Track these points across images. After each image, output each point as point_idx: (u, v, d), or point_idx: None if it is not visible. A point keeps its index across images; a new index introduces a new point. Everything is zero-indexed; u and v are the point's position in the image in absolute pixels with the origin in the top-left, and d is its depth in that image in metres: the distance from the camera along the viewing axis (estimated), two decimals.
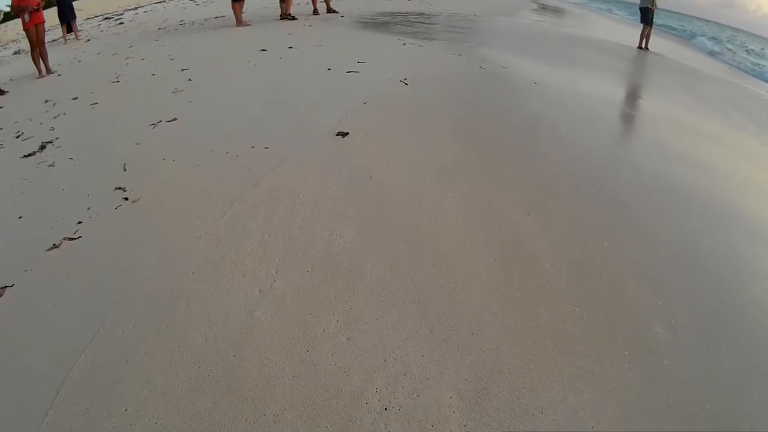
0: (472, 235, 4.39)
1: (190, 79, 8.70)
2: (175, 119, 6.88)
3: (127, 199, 5.08)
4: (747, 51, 35.53)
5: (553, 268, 4.00)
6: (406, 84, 8.02)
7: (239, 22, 14.20)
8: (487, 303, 3.64)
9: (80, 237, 4.60)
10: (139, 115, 7.15)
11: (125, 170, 5.66)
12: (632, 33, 19.86)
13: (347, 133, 6.06)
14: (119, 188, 5.27)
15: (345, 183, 5.08)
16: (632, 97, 10.55)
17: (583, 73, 11.51)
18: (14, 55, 17.10)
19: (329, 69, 8.82)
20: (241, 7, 14.32)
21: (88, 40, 16.17)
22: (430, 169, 5.39)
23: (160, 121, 6.84)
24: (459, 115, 6.95)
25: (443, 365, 3.15)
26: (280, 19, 14.68)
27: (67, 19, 17.44)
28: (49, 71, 12.02)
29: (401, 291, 3.73)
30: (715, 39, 37.43)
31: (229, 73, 9.01)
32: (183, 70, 9.38)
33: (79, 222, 4.81)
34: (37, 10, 12.05)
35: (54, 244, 4.51)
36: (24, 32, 12.35)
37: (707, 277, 4.17)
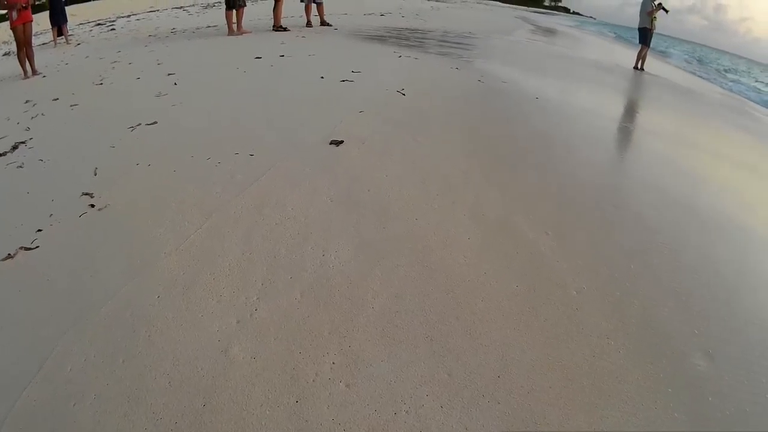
0: (487, 257, 3.83)
1: (175, 84, 8.14)
2: (155, 122, 6.29)
3: (93, 206, 4.45)
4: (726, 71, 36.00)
5: (581, 296, 3.50)
6: (404, 94, 7.58)
7: (231, 30, 13.77)
8: (512, 338, 3.08)
9: (38, 247, 3.96)
10: (119, 118, 6.56)
11: (95, 174, 5.06)
12: (627, 54, 20.19)
13: (341, 142, 5.52)
14: (86, 194, 4.65)
15: (340, 195, 4.48)
16: (634, 114, 10.30)
17: (583, 91, 11.35)
18: (3, 57, 16.60)
19: (322, 77, 8.32)
20: (240, 16, 13.86)
21: (78, 44, 15.76)
22: (435, 182, 4.86)
23: (139, 124, 6.25)
24: (461, 127, 6.53)
25: (468, 418, 2.55)
26: (273, 30, 14.33)
27: (59, 22, 17.02)
28: (35, 72, 11.45)
29: (410, 324, 3.11)
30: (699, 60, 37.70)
31: (217, 79, 8.48)
32: (169, 74, 8.83)
33: (39, 230, 4.17)
34: (26, 8, 11.53)
35: (9, 254, 3.86)
36: (11, 31, 11.79)
37: (738, 300, 3.78)
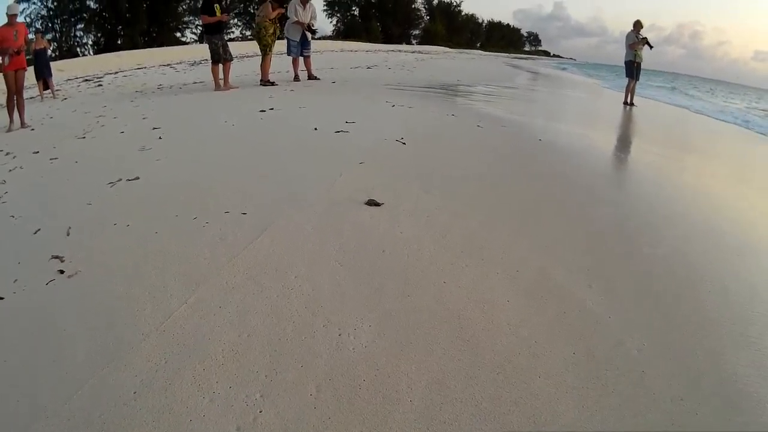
0: (534, 323, 3.19)
1: (160, 138, 7.48)
2: (137, 178, 5.61)
3: (62, 272, 3.71)
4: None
5: (643, 355, 2.98)
6: (404, 143, 7.02)
7: (218, 85, 13.29)
8: (585, 420, 2.46)
9: None
10: (99, 173, 5.90)
11: (68, 235, 4.36)
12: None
13: (379, 203, 4.79)
14: (56, 257, 3.93)
15: (350, 259, 3.79)
16: (641, 150, 10.22)
17: (585, 131, 11.28)
18: None
19: (315, 129, 7.68)
20: (227, 70, 13.40)
21: (65, 98, 15.24)
22: (456, 237, 4.24)
23: (120, 180, 5.57)
24: (470, 174, 6.00)
25: None
26: (260, 84, 13.87)
27: (43, 75, 16.49)
28: (23, 125, 10.68)
29: (461, 419, 2.40)
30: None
31: (204, 133, 7.83)
32: (154, 128, 8.20)
33: (0, 298, 3.45)
34: (18, 53, 10.80)
35: None
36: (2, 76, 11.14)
37: None
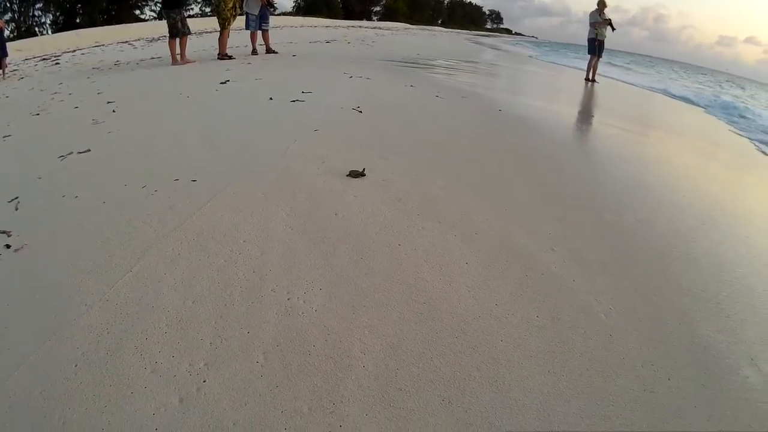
0: (495, 285, 3.05)
1: (114, 111, 7.17)
2: (88, 150, 5.31)
3: (8, 246, 3.43)
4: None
5: (611, 319, 2.89)
6: (361, 111, 6.87)
7: (175, 59, 13.00)
8: (549, 385, 2.36)
9: None
10: (51, 147, 5.59)
11: (17, 209, 4.06)
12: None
13: (362, 174, 4.58)
14: (3, 232, 3.64)
15: (302, 223, 3.59)
16: (589, 120, 10.25)
17: (546, 104, 11.24)
18: None
19: (271, 99, 7.49)
20: (184, 45, 13.14)
21: (21, 78, 14.74)
22: (412, 202, 4.09)
23: (70, 153, 5.27)
24: (429, 142, 5.86)
25: None
26: (218, 58, 13.60)
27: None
28: None
29: (418, 385, 2.26)
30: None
31: (159, 106, 7.55)
32: (108, 102, 7.86)
33: None
34: None
35: None
36: None
37: None
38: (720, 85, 32.83)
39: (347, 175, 4.48)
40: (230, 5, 13.42)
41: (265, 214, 3.68)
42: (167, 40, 13.34)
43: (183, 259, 3.10)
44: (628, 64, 40.47)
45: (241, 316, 2.59)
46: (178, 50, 12.94)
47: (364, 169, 4.54)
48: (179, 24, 12.76)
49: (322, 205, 3.88)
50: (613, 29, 17.02)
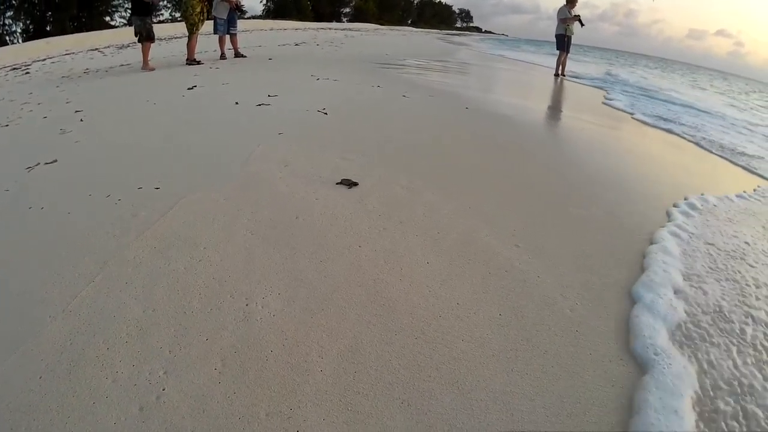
0: (456, 284, 3.02)
1: (81, 120, 7.07)
2: (55, 161, 5.23)
3: None
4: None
5: (576, 314, 2.86)
6: (326, 114, 6.90)
7: (146, 64, 12.96)
8: (513, 384, 2.32)
9: None
10: (20, 158, 5.49)
11: None
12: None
13: (355, 184, 4.51)
14: None
15: (263, 228, 3.55)
16: (558, 116, 10.36)
17: (514, 100, 11.37)
18: None
19: (237, 103, 7.47)
20: (146, 50, 13.03)
21: None
22: (373, 202, 4.06)
23: (38, 164, 5.18)
24: (393, 142, 5.86)
25: None
26: (187, 64, 13.46)
27: None
28: None
29: (377, 387, 2.22)
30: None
31: (126, 114, 7.44)
32: (77, 111, 7.76)
33: None
34: None
35: None
36: None
37: None
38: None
39: (337, 184, 4.45)
40: (198, 10, 13.28)
41: (226, 220, 3.63)
42: (140, 46, 13.26)
43: (144, 267, 3.03)
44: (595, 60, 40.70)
45: (199, 324, 2.54)
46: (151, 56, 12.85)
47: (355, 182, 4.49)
48: (152, 30, 12.77)
49: (284, 208, 3.85)
50: (582, 25, 17.12)
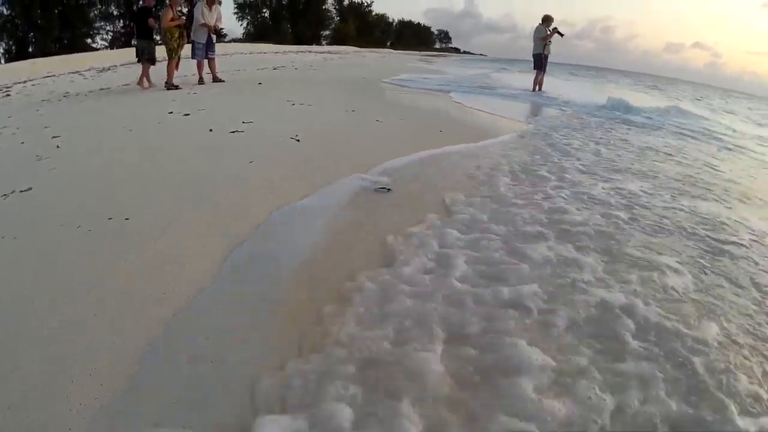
0: None
1: (58, 146, 7.05)
2: (29, 189, 5.21)
3: None
4: None
5: None
6: (298, 141, 7.00)
7: (144, 82, 13.80)
8: None
9: None
10: None
11: None
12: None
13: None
14: None
15: (227, 264, 3.65)
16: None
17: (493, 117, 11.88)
18: None
19: (211, 130, 7.53)
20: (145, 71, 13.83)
21: None
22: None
23: (13, 191, 5.16)
24: (363, 169, 6.01)
25: None
26: (166, 88, 13.45)
27: None
28: None
29: None
30: None
31: (101, 140, 7.39)
32: (54, 137, 7.74)
33: None
34: None
35: None
36: None
37: None
38: None
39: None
40: (176, 35, 13.42)
41: (189, 254, 3.70)
42: (138, 67, 14.11)
43: (109, 303, 3.09)
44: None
45: None
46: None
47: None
48: (155, 52, 13.79)
49: (245, 239, 3.96)
50: (561, 35, 17.33)
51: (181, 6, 13.76)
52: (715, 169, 8.20)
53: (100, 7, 59.63)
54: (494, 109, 13.04)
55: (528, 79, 20.45)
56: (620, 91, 26.57)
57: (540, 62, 17.70)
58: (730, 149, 11.18)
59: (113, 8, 59.60)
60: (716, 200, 6.10)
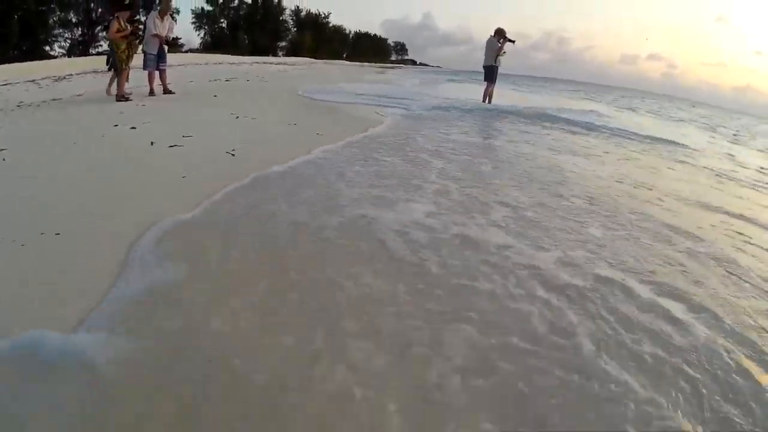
0: None
1: (4, 159, 7.04)
2: None
3: None
4: None
5: None
6: (233, 155, 7.25)
7: (120, 89, 13.53)
8: None
9: None
10: None
11: None
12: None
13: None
14: None
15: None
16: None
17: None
18: None
19: (152, 143, 7.69)
20: (126, 77, 13.65)
21: None
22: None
23: None
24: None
25: None
26: (116, 100, 13.31)
27: None
28: None
29: None
30: None
31: (47, 153, 7.44)
32: (1, 150, 7.73)
33: None
34: None
35: None
36: None
37: None
38: None
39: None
40: (123, 47, 13.30)
41: (110, 272, 3.81)
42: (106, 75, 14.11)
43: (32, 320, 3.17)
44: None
45: None
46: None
47: None
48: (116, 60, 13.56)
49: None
50: (513, 42, 17.37)
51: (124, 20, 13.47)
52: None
53: (59, 13, 58.60)
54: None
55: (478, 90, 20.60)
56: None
57: (491, 74, 17.84)
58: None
59: (72, 15, 58.58)
60: None
